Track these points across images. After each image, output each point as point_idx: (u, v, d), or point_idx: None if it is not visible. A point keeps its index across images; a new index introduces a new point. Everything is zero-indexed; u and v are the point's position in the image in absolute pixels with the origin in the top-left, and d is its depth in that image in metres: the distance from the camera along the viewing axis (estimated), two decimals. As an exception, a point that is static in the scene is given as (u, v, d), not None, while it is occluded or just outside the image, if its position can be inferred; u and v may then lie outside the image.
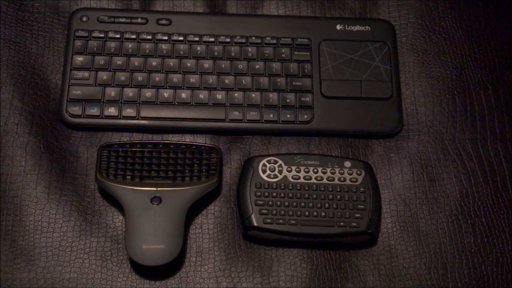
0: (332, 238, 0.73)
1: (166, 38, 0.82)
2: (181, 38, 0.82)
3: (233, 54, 0.82)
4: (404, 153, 0.80)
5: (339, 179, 0.75)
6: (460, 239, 0.76)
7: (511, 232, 0.76)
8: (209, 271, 0.73)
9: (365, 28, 0.85)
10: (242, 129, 0.80)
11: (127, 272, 0.73)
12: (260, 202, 0.74)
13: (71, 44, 0.81)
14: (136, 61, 0.81)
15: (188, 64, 0.81)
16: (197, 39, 0.82)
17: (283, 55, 0.82)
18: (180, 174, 0.75)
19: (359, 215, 0.73)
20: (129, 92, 0.80)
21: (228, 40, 0.83)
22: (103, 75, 0.80)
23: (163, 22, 0.83)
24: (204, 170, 0.75)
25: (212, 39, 0.82)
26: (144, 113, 0.79)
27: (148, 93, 0.80)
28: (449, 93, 0.83)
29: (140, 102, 0.79)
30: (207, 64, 0.81)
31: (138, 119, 0.79)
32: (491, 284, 0.74)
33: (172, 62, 0.81)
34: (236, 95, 0.80)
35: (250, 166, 0.76)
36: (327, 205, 0.74)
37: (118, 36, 0.82)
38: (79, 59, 0.81)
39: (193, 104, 0.80)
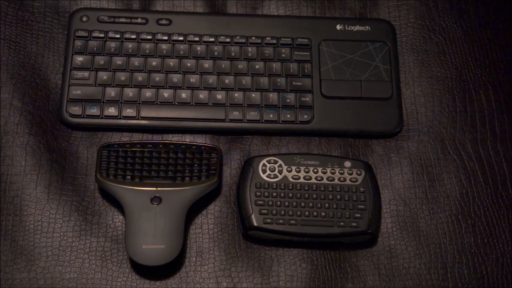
0: (332, 238, 0.73)
1: (166, 38, 0.82)
2: (181, 38, 0.82)
3: (233, 54, 0.82)
4: (404, 153, 0.80)
5: (339, 179, 0.75)
6: (460, 239, 0.76)
7: (511, 232, 0.76)
8: (209, 271, 0.73)
9: (365, 28, 0.85)
10: (242, 129, 0.80)
11: (127, 272, 0.73)
12: (260, 202, 0.74)
13: (71, 44, 0.81)
14: (136, 61, 0.81)
15: (188, 64, 0.81)
16: (197, 39, 0.82)
17: (283, 55, 0.82)
18: (180, 174, 0.75)
19: (359, 215, 0.73)
20: (129, 92, 0.80)
21: (228, 40, 0.83)
22: (103, 75, 0.80)
23: (163, 22, 0.83)
24: (204, 170, 0.75)
25: (212, 39, 0.82)
26: (144, 113, 0.79)
27: (148, 93, 0.80)
28: (449, 93, 0.83)
29: (140, 102, 0.79)
30: (207, 64, 0.81)
31: (138, 119, 0.79)
32: (491, 284, 0.74)
33: (172, 62, 0.81)
34: (236, 95, 0.80)
35: (250, 166, 0.76)
36: (327, 205, 0.74)
37: (118, 36, 0.82)
38: (79, 59, 0.81)
39: (193, 104, 0.80)
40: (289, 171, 0.75)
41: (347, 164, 0.76)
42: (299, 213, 0.73)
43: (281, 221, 0.73)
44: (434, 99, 0.83)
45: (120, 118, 0.79)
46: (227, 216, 0.76)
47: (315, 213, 0.73)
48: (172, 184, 0.74)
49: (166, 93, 0.80)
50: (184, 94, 0.80)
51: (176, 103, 0.80)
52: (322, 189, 0.74)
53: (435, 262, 0.75)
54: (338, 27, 0.85)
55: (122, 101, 0.79)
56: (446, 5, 0.88)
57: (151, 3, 0.86)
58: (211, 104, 0.80)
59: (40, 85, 0.81)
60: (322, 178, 0.75)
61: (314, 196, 0.74)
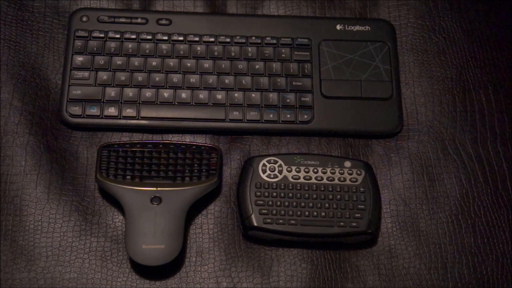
0: (332, 238, 0.73)
1: (166, 38, 0.82)
2: (181, 38, 0.82)
3: (233, 54, 0.82)
4: (404, 153, 0.80)
5: (339, 179, 0.75)
6: (460, 239, 0.76)
7: (511, 232, 0.76)
8: (209, 271, 0.73)
9: (365, 28, 0.85)
10: (242, 129, 0.80)
11: (127, 272, 0.73)
12: (260, 202, 0.74)
13: (71, 44, 0.81)
14: (136, 61, 0.81)
15: (188, 64, 0.81)
16: (197, 39, 0.82)
17: (283, 55, 0.82)
18: (180, 174, 0.75)
19: (359, 215, 0.73)
20: (129, 92, 0.80)
21: (228, 40, 0.83)
22: (103, 75, 0.80)
23: (163, 22, 0.83)
24: (204, 170, 0.75)
25: (212, 39, 0.82)
26: (144, 113, 0.79)
27: (148, 93, 0.80)
28: (449, 93, 0.83)
29: (140, 102, 0.79)
30: (207, 64, 0.82)
31: (138, 119, 0.79)
32: (491, 284, 0.74)
33: (172, 62, 0.81)
34: (236, 95, 0.80)
35: (250, 166, 0.76)
36: (327, 205, 0.74)
37: (118, 36, 0.82)
38: (79, 59, 0.81)
39: (193, 104, 0.80)
40: (289, 171, 0.75)
41: (347, 164, 0.76)
42: (299, 213, 0.73)
43: (281, 221, 0.73)
44: (434, 99, 0.83)
45: (120, 118, 0.79)
46: (227, 216, 0.76)
47: (315, 213, 0.73)
48: (172, 184, 0.74)
49: (166, 93, 0.80)
50: (184, 94, 0.80)
51: (176, 103, 0.80)
52: (322, 189, 0.74)
53: (435, 262, 0.75)
54: (338, 27, 0.85)
55: (122, 101, 0.79)
56: (446, 5, 0.88)
57: (151, 3, 0.86)
58: (211, 104, 0.80)
59: (40, 85, 0.81)
60: (322, 178, 0.75)
61: (314, 196, 0.74)
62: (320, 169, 0.75)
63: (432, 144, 0.81)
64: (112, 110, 0.79)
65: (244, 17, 0.85)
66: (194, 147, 0.77)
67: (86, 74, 0.80)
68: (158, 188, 0.73)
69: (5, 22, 0.83)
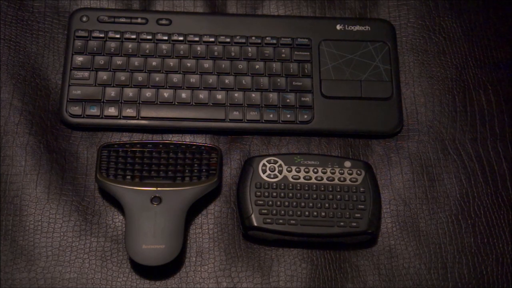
0: (332, 238, 0.73)
1: (166, 38, 0.82)
2: (181, 38, 0.82)
3: (233, 54, 0.82)
4: (404, 153, 0.80)
5: (339, 179, 0.75)
6: (460, 239, 0.76)
7: (511, 232, 0.76)
8: (209, 271, 0.73)
9: (365, 28, 0.85)
10: (242, 129, 0.80)
11: (127, 272, 0.73)
12: (260, 202, 0.74)
13: (71, 44, 0.81)
14: (136, 61, 0.81)
15: (188, 64, 0.81)
16: (197, 39, 0.82)
17: (283, 55, 0.82)
18: (180, 174, 0.75)
19: (359, 215, 0.73)
20: (129, 92, 0.80)
21: (228, 40, 0.83)
22: (103, 75, 0.80)
23: (163, 22, 0.83)
24: (204, 170, 0.75)
25: (212, 39, 0.82)
26: (144, 113, 0.79)
27: (148, 93, 0.80)
28: (449, 93, 0.83)
29: (140, 102, 0.79)
30: (207, 64, 0.82)
31: (138, 119, 0.79)
32: (491, 284, 0.74)
33: (172, 62, 0.81)
34: (236, 95, 0.80)
35: (250, 166, 0.76)
36: (327, 205, 0.74)
37: (118, 36, 0.82)
38: (79, 59, 0.81)
39: (193, 104, 0.80)
40: (289, 171, 0.75)
41: (347, 164, 0.76)
42: (299, 213, 0.73)
43: (281, 221, 0.73)
44: (434, 99, 0.83)
45: (120, 118, 0.79)
46: (227, 216, 0.76)
47: (315, 213, 0.73)
48: (172, 184, 0.74)
49: (166, 93, 0.80)
50: (184, 94, 0.80)
51: (176, 103, 0.80)
52: (322, 189, 0.74)
53: (435, 262, 0.75)
54: (338, 27, 0.85)
55: (122, 101, 0.79)
56: (446, 5, 0.88)
57: (151, 3, 0.86)
58: (211, 104, 0.80)
59: (40, 85, 0.81)
60: (322, 178, 0.75)
61: (314, 196, 0.74)
62: (320, 169, 0.75)
63: (432, 144, 0.81)
64: (112, 110, 0.79)
65: (244, 17, 0.85)
66: (194, 147, 0.77)
67: (86, 74, 0.80)
68: (158, 188, 0.73)
69: (5, 22, 0.83)
